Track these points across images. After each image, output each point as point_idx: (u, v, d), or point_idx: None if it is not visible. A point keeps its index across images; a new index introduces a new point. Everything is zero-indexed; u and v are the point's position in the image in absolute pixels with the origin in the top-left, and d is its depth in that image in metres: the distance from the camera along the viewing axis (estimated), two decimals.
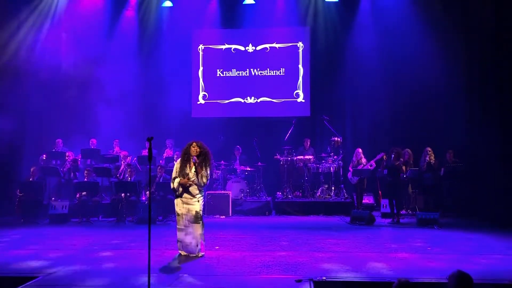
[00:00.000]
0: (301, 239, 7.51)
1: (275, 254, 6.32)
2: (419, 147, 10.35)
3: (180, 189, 6.24)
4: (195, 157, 6.25)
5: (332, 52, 12.16)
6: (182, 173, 6.25)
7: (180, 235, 6.26)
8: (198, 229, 6.22)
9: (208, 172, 6.35)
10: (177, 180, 6.25)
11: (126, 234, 8.12)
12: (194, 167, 6.26)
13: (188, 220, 6.20)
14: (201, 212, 6.30)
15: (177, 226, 6.30)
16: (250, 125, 12.38)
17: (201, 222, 6.26)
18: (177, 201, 6.28)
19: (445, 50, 10.79)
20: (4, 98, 10.93)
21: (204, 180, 6.27)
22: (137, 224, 9.25)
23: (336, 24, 12.10)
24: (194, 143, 6.33)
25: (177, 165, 6.39)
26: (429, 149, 10.10)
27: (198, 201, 6.27)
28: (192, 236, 6.19)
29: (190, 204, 6.22)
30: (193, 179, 6.24)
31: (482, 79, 10.25)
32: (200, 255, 6.21)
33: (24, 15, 11.57)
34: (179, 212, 6.26)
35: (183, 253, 6.27)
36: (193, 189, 6.25)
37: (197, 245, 6.20)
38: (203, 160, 6.29)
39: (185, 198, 6.23)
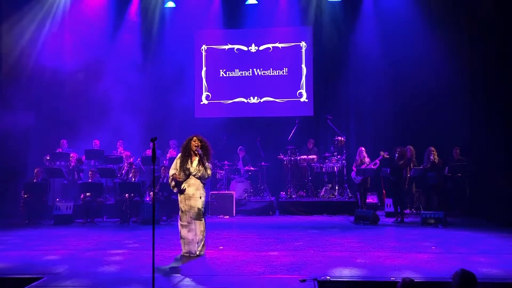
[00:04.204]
0: (305, 238, 7.51)
1: (279, 254, 6.33)
2: (423, 146, 10.32)
3: (173, 182, 6.29)
4: (199, 149, 6.27)
5: (335, 52, 12.13)
6: (183, 168, 6.27)
7: (183, 231, 6.28)
8: (200, 226, 6.24)
9: (210, 164, 6.42)
10: (171, 175, 6.33)
11: (130, 234, 8.14)
12: (196, 161, 6.28)
13: (190, 217, 6.23)
14: (203, 209, 6.31)
15: (181, 223, 6.32)
16: (253, 125, 12.38)
17: (203, 219, 6.28)
18: (181, 198, 6.31)
19: (448, 48, 10.75)
20: (8, 99, 10.97)
21: (209, 171, 6.34)
22: (141, 225, 9.29)
23: (339, 24, 12.08)
24: (195, 137, 6.35)
25: (177, 160, 6.40)
26: (432, 148, 10.07)
27: (200, 197, 6.28)
28: (195, 233, 6.22)
29: (193, 201, 6.24)
30: (194, 173, 6.26)
31: (486, 77, 10.21)
32: (202, 253, 6.23)
33: (28, 16, 11.60)
34: (183, 209, 6.28)
35: (186, 251, 6.27)
36: (196, 185, 6.27)
37: (198, 242, 6.22)
38: (205, 153, 6.33)
39: (188, 195, 6.25)
